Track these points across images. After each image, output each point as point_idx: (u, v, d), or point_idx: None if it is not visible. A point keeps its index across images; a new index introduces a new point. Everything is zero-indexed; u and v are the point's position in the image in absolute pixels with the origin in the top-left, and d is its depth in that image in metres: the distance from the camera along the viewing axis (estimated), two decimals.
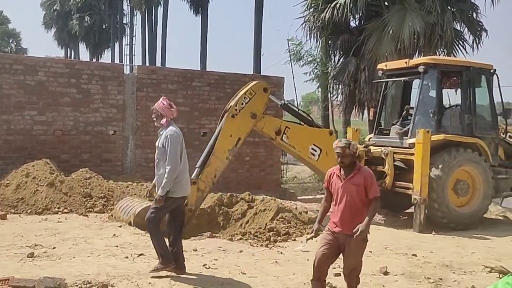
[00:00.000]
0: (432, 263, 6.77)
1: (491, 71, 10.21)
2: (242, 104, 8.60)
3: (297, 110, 9.91)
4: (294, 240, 7.84)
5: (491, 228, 9.83)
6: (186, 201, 8.03)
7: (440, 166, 9.29)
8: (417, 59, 11.10)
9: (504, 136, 10.67)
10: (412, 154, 9.42)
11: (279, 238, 7.84)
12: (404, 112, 10.63)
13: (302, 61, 22.69)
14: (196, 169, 8.26)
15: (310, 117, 9.92)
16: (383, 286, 5.77)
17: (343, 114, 21.14)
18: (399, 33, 16.40)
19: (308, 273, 5.91)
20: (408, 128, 9.95)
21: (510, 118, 10.81)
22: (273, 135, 9.08)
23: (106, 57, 57.84)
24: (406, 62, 10.33)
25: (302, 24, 19.62)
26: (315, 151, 9.35)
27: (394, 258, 6.98)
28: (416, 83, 10.44)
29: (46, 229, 7.28)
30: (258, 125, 8.85)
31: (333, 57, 20.74)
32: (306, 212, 9.34)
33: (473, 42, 18.25)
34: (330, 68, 20.74)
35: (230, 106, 8.62)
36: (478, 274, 6.47)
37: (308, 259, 6.67)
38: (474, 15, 18.43)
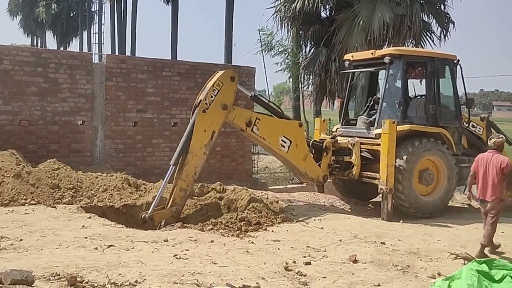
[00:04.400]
0: (400, 251, 6.93)
1: (455, 61, 10.43)
2: (212, 97, 8.52)
3: (267, 101, 9.88)
4: (265, 229, 7.86)
5: (456, 216, 10.13)
6: (170, 203, 8.06)
7: (405, 156, 9.48)
8: (383, 50, 11.25)
9: (467, 125, 10.96)
10: (379, 145, 9.57)
11: (250, 227, 7.86)
12: (371, 102, 10.78)
13: (273, 51, 22.69)
14: (171, 167, 8.21)
15: (280, 108, 9.94)
16: (353, 274, 5.87)
17: (314, 104, 21.28)
18: (369, 24, 16.60)
19: (279, 262, 5.99)
20: (375, 119, 10.09)
21: (472, 108, 11.10)
22: (243, 126, 9.05)
23: (74, 46, 56.74)
24: (372, 53, 10.46)
25: (273, 14, 19.66)
26: (285, 142, 9.39)
27: (363, 246, 7.10)
28: (382, 73, 10.58)
29: (12, 221, 7.11)
30: (229, 116, 8.81)
31: (304, 48, 20.83)
32: (277, 202, 9.41)
33: (440, 33, 18.63)
34: (301, 59, 20.79)
35: (200, 101, 8.53)
36: (444, 260, 6.68)
37: (278, 248, 6.75)
38: (442, 7, 18.79)
